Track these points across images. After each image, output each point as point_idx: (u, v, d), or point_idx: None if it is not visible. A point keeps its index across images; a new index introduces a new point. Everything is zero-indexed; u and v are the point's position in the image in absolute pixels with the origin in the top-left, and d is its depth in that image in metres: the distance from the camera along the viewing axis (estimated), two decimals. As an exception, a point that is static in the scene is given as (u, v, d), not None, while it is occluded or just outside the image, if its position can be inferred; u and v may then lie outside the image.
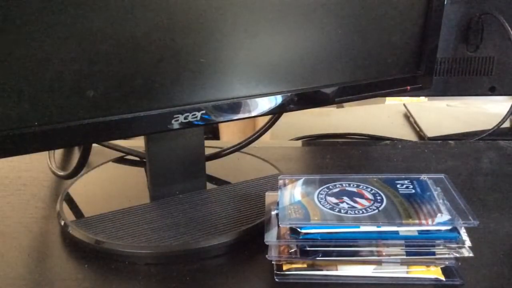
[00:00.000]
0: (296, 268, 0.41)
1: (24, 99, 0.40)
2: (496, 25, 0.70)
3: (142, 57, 0.43)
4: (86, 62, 0.41)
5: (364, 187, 0.45)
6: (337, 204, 0.42)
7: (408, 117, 0.91)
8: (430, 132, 0.80)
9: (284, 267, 0.42)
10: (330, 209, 0.41)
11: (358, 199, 0.43)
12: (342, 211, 0.41)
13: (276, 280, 0.41)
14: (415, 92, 0.64)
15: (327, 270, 0.41)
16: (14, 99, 0.39)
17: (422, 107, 0.99)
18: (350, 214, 0.41)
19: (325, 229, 0.40)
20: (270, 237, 0.41)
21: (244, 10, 0.47)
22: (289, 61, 0.52)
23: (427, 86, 0.63)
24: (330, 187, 0.45)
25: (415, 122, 0.86)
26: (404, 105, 0.96)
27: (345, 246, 0.40)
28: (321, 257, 0.40)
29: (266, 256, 0.41)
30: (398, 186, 0.45)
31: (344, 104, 0.88)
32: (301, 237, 0.40)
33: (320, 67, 0.54)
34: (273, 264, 0.42)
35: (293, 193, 0.44)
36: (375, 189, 0.45)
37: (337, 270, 0.41)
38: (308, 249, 0.40)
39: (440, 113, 0.94)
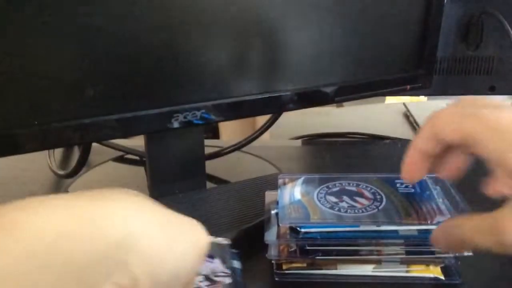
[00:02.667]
0: (296, 267, 0.41)
1: (24, 98, 0.40)
2: (496, 24, 0.70)
3: (142, 56, 0.43)
4: (85, 61, 0.41)
5: (364, 186, 0.45)
6: (336, 203, 0.42)
7: (408, 116, 0.91)
8: (430, 131, 0.80)
9: (284, 266, 0.42)
10: (329, 208, 0.41)
11: (357, 198, 0.43)
12: (342, 210, 0.41)
13: (276, 279, 0.41)
14: (415, 91, 0.64)
15: (327, 269, 0.41)
16: (14, 99, 0.39)
17: (422, 106, 0.99)
18: (350, 213, 0.41)
19: (325, 228, 0.40)
20: (270, 236, 0.41)
21: (243, 9, 0.47)
22: (289, 60, 0.52)
23: (427, 86, 0.63)
24: (330, 186, 0.45)
25: (415, 121, 0.86)
26: (404, 104, 0.96)
27: (345, 245, 0.40)
28: (320, 256, 0.40)
29: (266, 255, 0.41)
30: (397, 185, 0.45)
31: (344, 103, 0.87)
32: (300, 236, 0.40)
33: (320, 66, 0.54)
34: (272, 263, 0.42)
35: (292, 192, 0.44)
36: (375, 188, 0.45)
37: (336, 269, 0.41)
38: (307, 248, 0.40)
39: (440, 113, 0.94)
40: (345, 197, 0.43)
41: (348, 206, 0.42)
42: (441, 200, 0.43)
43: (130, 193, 0.25)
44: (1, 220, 0.20)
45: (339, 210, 0.41)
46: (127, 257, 0.22)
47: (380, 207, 0.41)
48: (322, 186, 0.45)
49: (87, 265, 0.20)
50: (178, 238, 0.25)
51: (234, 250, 0.40)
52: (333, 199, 0.43)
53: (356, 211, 0.41)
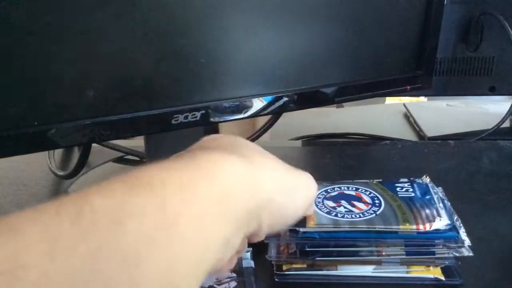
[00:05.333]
0: (296, 268, 0.41)
1: (24, 99, 0.40)
2: (496, 25, 0.70)
3: (142, 57, 0.43)
4: (86, 62, 0.41)
5: (363, 190, 0.45)
6: (334, 208, 0.42)
7: (408, 117, 0.91)
8: (430, 132, 0.80)
9: (284, 267, 0.42)
10: (326, 213, 0.41)
11: (356, 203, 0.43)
12: (339, 215, 0.41)
13: (276, 280, 0.41)
14: (415, 92, 0.64)
15: (327, 270, 0.41)
16: (14, 99, 0.39)
17: (422, 107, 0.99)
18: (347, 218, 0.40)
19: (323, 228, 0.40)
20: (270, 236, 0.41)
21: (244, 10, 0.47)
22: (289, 60, 0.52)
23: (427, 86, 0.63)
24: (329, 190, 0.45)
25: (415, 122, 0.86)
26: (404, 105, 0.96)
27: (345, 246, 0.40)
28: (320, 257, 0.40)
29: (266, 256, 0.41)
30: (397, 189, 0.45)
31: (344, 104, 0.87)
32: (299, 236, 0.40)
33: (320, 66, 0.54)
34: (273, 264, 0.42)
35: None
36: (374, 193, 0.44)
37: (337, 270, 0.41)
38: (307, 249, 0.40)
39: (440, 113, 0.94)
40: (343, 202, 0.43)
41: (345, 211, 0.41)
42: (441, 204, 0.42)
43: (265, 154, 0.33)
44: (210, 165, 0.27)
45: (336, 215, 0.41)
46: (261, 213, 0.30)
47: (378, 212, 0.41)
48: (321, 191, 0.45)
49: (243, 213, 0.28)
50: (295, 196, 0.34)
51: (246, 249, 0.40)
52: (331, 203, 0.43)
53: (353, 216, 0.41)
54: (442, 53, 0.72)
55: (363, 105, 0.99)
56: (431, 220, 0.39)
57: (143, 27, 0.42)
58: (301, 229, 0.39)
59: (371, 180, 0.47)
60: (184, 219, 0.23)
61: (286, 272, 0.41)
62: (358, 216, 0.41)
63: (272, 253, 0.41)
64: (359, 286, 0.41)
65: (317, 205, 0.42)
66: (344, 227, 0.39)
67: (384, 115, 0.95)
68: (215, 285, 0.38)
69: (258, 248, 0.42)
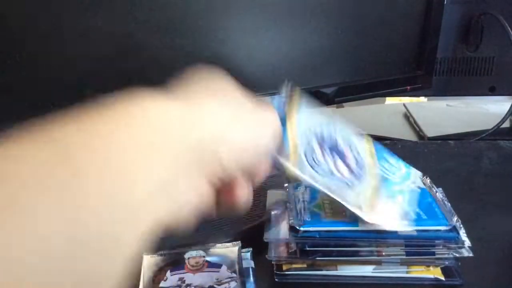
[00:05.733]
0: (296, 268, 0.41)
1: (24, 98, 0.40)
2: (496, 25, 0.70)
3: (141, 57, 0.43)
4: (85, 62, 0.41)
5: (355, 151, 0.42)
6: (318, 160, 0.38)
7: (408, 117, 0.91)
8: (430, 132, 0.80)
9: (284, 267, 0.41)
10: (310, 163, 0.37)
11: (339, 165, 0.39)
12: (319, 171, 0.38)
13: (276, 280, 0.41)
14: (415, 92, 0.64)
15: (327, 270, 0.41)
16: (14, 99, 0.39)
17: (422, 107, 0.99)
18: (325, 179, 0.37)
19: (324, 227, 0.39)
20: (270, 235, 0.41)
21: (244, 10, 0.47)
22: (289, 61, 0.52)
23: (427, 86, 0.63)
24: (324, 133, 0.41)
25: (415, 122, 0.86)
26: (404, 105, 0.96)
27: (345, 246, 0.40)
28: (321, 257, 0.40)
29: (266, 256, 0.41)
30: (385, 166, 0.42)
31: (344, 104, 0.87)
32: (300, 235, 0.40)
33: (320, 67, 0.54)
34: (273, 264, 0.42)
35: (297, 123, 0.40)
36: (361, 159, 0.41)
37: (336, 270, 0.41)
38: (307, 249, 0.40)
39: (440, 113, 0.94)
40: (327, 155, 0.39)
41: (327, 170, 0.38)
42: (413, 206, 0.40)
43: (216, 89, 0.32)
44: (132, 108, 0.27)
45: (316, 171, 0.37)
46: (215, 149, 0.28)
47: (352, 187, 0.38)
48: (316, 132, 0.41)
49: (181, 153, 0.26)
50: (256, 126, 0.31)
51: (246, 250, 0.41)
52: (318, 154, 0.39)
53: (332, 179, 0.38)
54: (442, 53, 0.72)
55: (363, 105, 0.99)
56: (395, 217, 0.38)
57: (143, 27, 0.42)
58: (302, 228, 0.39)
59: (367, 134, 0.44)
60: (90, 163, 0.22)
61: (286, 272, 0.41)
62: (335, 181, 0.38)
63: (272, 253, 0.41)
64: (359, 286, 0.41)
65: (305, 145, 0.38)
66: (318, 181, 0.37)
67: (384, 115, 0.95)
68: (215, 285, 0.38)
69: (258, 248, 0.42)
